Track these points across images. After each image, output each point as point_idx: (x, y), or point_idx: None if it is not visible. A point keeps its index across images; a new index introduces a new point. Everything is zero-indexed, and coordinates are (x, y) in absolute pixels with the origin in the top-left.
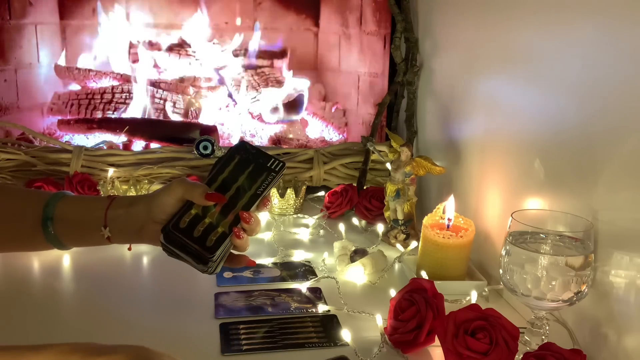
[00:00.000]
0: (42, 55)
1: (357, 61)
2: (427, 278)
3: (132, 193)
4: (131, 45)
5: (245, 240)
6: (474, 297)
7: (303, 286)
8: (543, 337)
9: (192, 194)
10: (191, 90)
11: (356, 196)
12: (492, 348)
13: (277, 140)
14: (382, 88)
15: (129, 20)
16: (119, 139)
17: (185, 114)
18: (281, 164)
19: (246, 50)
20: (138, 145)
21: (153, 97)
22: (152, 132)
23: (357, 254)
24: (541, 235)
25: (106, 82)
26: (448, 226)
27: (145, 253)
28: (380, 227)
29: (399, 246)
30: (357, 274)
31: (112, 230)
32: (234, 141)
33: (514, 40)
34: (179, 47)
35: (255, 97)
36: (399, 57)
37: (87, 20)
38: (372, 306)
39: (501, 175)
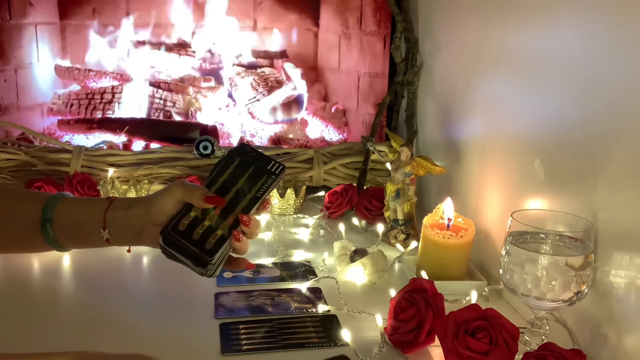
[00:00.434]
0: (42, 56)
1: (357, 61)
2: (427, 278)
3: (132, 193)
4: (131, 45)
5: (244, 243)
6: (474, 297)
7: (303, 286)
8: (543, 337)
9: (192, 196)
10: (191, 90)
11: (356, 196)
12: (492, 348)
13: (277, 140)
14: (382, 88)
15: (129, 20)
16: (119, 139)
17: (185, 114)
18: (281, 167)
19: (246, 50)
20: (138, 145)
21: (153, 97)
22: (152, 132)
23: (357, 254)
24: (541, 235)
25: (106, 82)
26: (448, 226)
27: (145, 253)
28: (380, 227)
29: (399, 246)
30: (357, 274)
31: (111, 232)
32: (234, 141)
33: (514, 41)
34: (179, 47)
35: (255, 98)
36: (399, 57)
37: (87, 20)
38: (372, 306)
39: (501, 175)
